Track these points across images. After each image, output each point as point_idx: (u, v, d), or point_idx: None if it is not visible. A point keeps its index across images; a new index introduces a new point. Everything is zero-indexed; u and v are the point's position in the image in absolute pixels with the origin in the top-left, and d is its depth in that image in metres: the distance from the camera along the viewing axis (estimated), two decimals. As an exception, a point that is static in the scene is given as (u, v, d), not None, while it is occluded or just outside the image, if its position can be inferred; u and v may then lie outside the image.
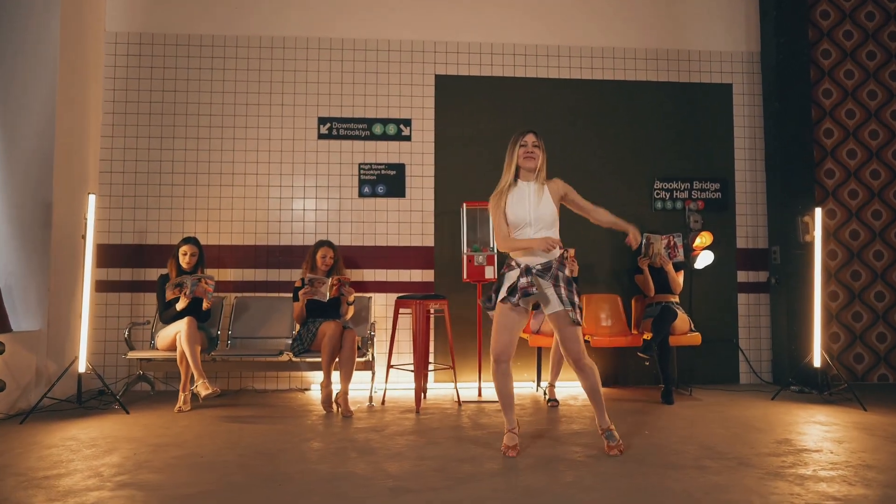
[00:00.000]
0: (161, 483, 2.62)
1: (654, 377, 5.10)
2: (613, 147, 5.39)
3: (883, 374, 5.43)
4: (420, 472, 2.78)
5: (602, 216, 3.19)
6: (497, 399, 3.16)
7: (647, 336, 4.70)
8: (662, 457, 3.06)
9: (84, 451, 3.14)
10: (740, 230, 5.43)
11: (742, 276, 5.41)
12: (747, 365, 5.33)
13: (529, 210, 3.04)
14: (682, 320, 4.77)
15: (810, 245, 4.83)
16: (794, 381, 4.85)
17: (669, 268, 4.84)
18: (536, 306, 3.27)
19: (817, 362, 4.60)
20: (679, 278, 4.91)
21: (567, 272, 3.04)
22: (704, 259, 5.14)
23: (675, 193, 5.40)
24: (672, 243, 4.89)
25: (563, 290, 2.96)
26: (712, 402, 4.51)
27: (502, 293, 3.04)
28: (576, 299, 2.99)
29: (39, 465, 2.88)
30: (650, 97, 5.44)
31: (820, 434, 3.55)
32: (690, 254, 5.20)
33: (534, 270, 3.00)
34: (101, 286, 4.96)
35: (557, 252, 3.04)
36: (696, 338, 4.82)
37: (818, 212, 4.71)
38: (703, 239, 5.19)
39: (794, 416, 4.04)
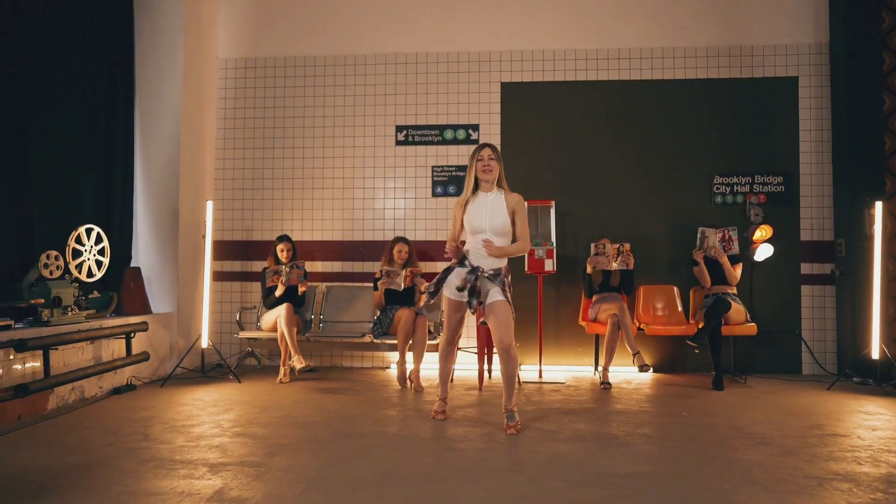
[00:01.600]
0: (265, 434, 3.33)
1: (709, 365, 5.31)
2: (673, 144, 5.59)
3: (962, 368, 5.29)
4: (469, 437, 3.32)
5: (517, 243, 3.51)
6: (440, 370, 3.78)
7: (701, 325, 4.94)
8: (689, 434, 3.40)
9: (208, 409, 3.95)
10: (804, 223, 5.47)
11: (806, 269, 5.46)
12: (810, 356, 5.40)
13: (485, 219, 3.42)
14: (737, 311, 4.95)
15: (873, 238, 4.83)
16: (852, 371, 4.90)
17: (724, 260, 5.03)
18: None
19: (875, 354, 4.65)
20: (736, 271, 5.09)
21: (509, 278, 3.47)
22: (764, 252, 5.26)
23: (735, 187, 5.53)
24: (727, 237, 5.06)
25: (505, 290, 3.41)
26: (764, 390, 4.70)
27: (452, 293, 3.49)
28: (509, 297, 3.43)
29: (177, 417, 3.70)
30: (711, 94, 5.57)
31: (858, 422, 3.71)
32: (750, 247, 5.33)
33: (486, 274, 3.40)
34: (218, 276, 5.88)
35: (504, 262, 3.47)
36: (751, 328, 4.99)
37: (878, 205, 4.71)
38: (763, 232, 5.30)
39: (843, 405, 4.18)
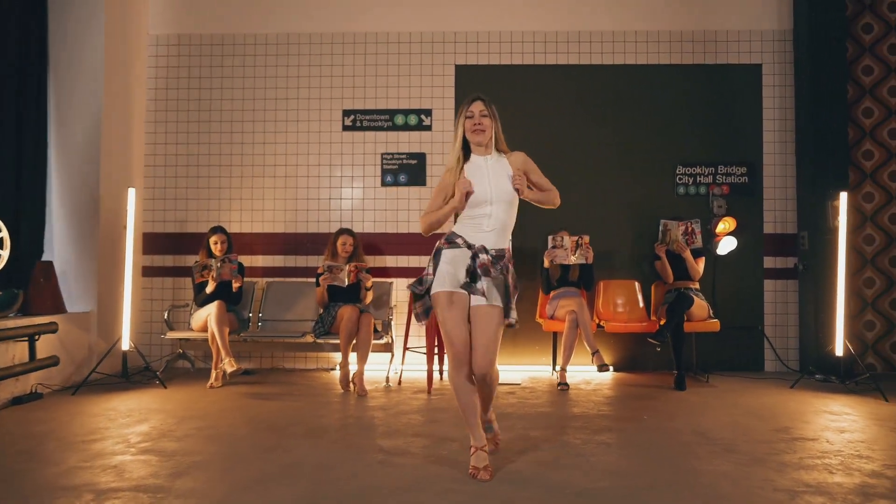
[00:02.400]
0: (176, 451, 2.92)
1: (671, 363, 5.08)
2: (635, 132, 5.34)
3: (922, 364, 5.20)
4: (409, 449, 2.97)
5: (553, 197, 2.78)
6: (459, 404, 2.62)
7: (663, 322, 4.70)
8: (652, 440, 3.12)
9: (120, 420, 3.50)
10: (768, 215, 5.29)
11: (769, 262, 5.28)
12: (773, 352, 5.22)
13: (489, 188, 2.60)
14: (700, 307, 4.73)
15: (837, 230, 4.67)
16: (815, 369, 4.74)
17: (687, 254, 4.80)
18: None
19: (839, 351, 4.48)
20: (699, 265, 4.87)
21: (512, 269, 2.66)
22: (727, 245, 5.05)
23: (698, 178, 5.31)
24: (690, 230, 4.83)
25: (511, 282, 2.63)
26: (727, 389, 4.48)
27: (444, 284, 2.56)
28: (513, 302, 2.62)
29: (79, 431, 3.25)
30: (674, 80, 5.34)
31: (825, 423, 3.50)
32: (713, 240, 5.12)
33: (490, 253, 2.57)
34: (147, 271, 5.39)
35: (508, 243, 2.71)
36: (714, 324, 4.78)
37: (843, 196, 4.55)
38: (726, 224, 5.09)
39: (807, 404, 3.98)
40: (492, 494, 2.38)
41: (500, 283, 2.61)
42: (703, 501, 2.31)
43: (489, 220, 2.62)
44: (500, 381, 2.91)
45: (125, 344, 4.54)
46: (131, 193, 4.62)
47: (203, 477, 2.55)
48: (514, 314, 2.63)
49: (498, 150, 2.73)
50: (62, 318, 4.37)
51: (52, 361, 4.08)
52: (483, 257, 2.55)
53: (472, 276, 2.54)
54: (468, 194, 2.58)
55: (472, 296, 2.58)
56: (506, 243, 2.68)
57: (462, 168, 2.67)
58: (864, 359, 5.15)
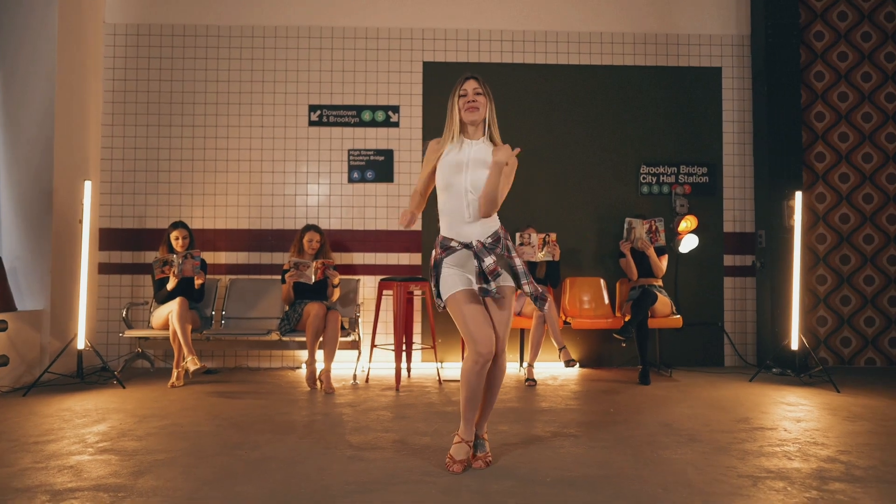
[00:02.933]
0: (137, 449, 2.82)
1: (635, 359, 5.18)
2: (599, 132, 5.43)
3: (870, 357, 5.43)
4: (379, 444, 2.94)
5: (483, 189, 2.56)
6: (464, 397, 2.55)
7: (628, 318, 4.78)
8: (618, 433, 3.17)
9: (76, 420, 3.37)
10: (727, 214, 5.45)
11: (728, 260, 5.44)
12: (732, 348, 5.38)
13: (464, 174, 2.53)
14: (663, 303, 4.83)
15: (793, 229, 4.84)
16: (772, 363, 4.90)
17: (651, 252, 4.90)
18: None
19: (795, 345, 4.64)
20: (662, 263, 4.97)
21: (510, 243, 2.63)
22: (689, 243, 5.18)
23: (661, 178, 5.43)
24: (654, 228, 4.94)
25: (517, 261, 2.59)
26: (689, 383, 4.59)
27: (456, 285, 2.54)
28: (525, 278, 2.57)
29: (32, 433, 3.11)
30: (637, 82, 5.45)
31: (782, 413, 3.62)
32: (675, 238, 5.24)
33: (487, 245, 2.53)
34: (104, 268, 5.21)
35: (498, 220, 2.63)
36: (677, 321, 4.89)
37: (798, 196, 4.72)
38: (688, 223, 5.22)
39: (765, 396, 4.11)
40: (462, 486, 2.38)
41: (505, 265, 2.58)
42: (669, 488, 2.35)
43: (467, 209, 2.55)
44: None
45: (80, 343, 4.37)
46: (87, 186, 4.45)
47: (167, 475, 2.47)
48: (528, 287, 2.56)
49: (491, 138, 2.64)
50: (11, 317, 4.18)
51: (2, 361, 3.90)
52: (488, 261, 2.48)
53: (484, 279, 2.49)
54: (406, 217, 2.58)
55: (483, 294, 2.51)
56: (495, 226, 2.60)
57: (440, 155, 2.59)
58: (817, 352, 5.35)
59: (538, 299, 2.60)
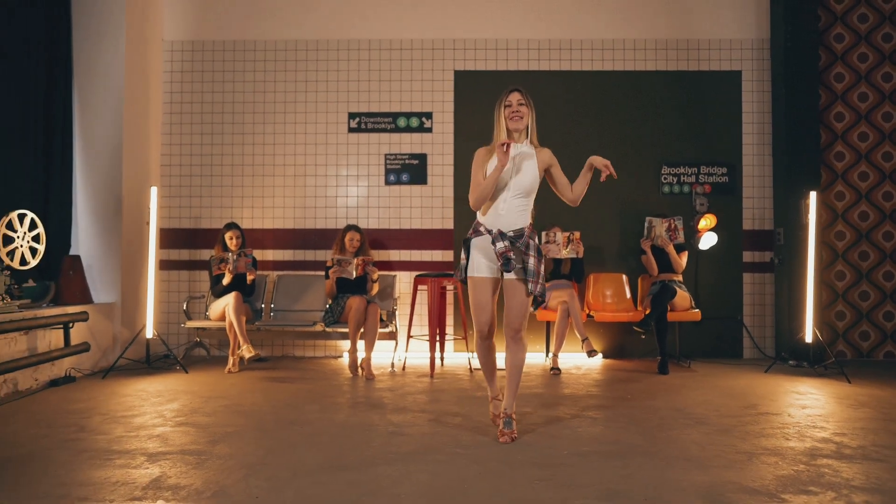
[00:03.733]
0: (209, 423, 3.27)
1: (655, 350, 5.45)
2: (622, 135, 5.70)
3: (889, 351, 5.59)
4: (416, 422, 3.33)
5: (576, 189, 3.07)
6: (483, 367, 3.17)
7: (647, 311, 5.07)
8: (632, 416, 3.49)
9: (152, 399, 3.85)
10: (746, 212, 5.67)
11: (748, 257, 5.66)
12: (751, 341, 5.61)
13: (511, 173, 2.93)
14: (682, 298, 5.10)
15: (807, 227, 5.04)
16: (788, 355, 5.13)
17: (671, 249, 5.17)
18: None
19: (809, 338, 4.86)
20: (682, 259, 5.24)
21: (537, 240, 2.99)
22: (708, 240, 5.43)
23: (682, 178, 5.68)
24: (673, 226, 5.20)
25: (531, 260, 2.92)
26: (706, 374, 4.86)
27: (481, 270, 2.95)
28: (542, 270, 2.95)
29: (118, 408, 3.60)
30: (659, 86, 5.70)
31: (790, 401, 3.88)
32: (695, 235, 5.49)
33: (508, 235, 2.89)
34: (164, 265, 5.72)
35: (529, 219, 2.99)
36: (696, 314, 5.15)
37: (812, 195, 4.92)
38: (708, 221, 5.46)
39: (778, 386, 4.36)
40: (491, 457, 2.74)
41: (520, 259, 2.93)
42: (670, 461, 2.68)
43: (504, 203, 2.95)
44: (497, 368, 3.24)
45: (149, 332, 4.88)
46: (154, 192, 4.95)
47: (238, 444, 2.91)
48: (531, 286, 2.91)
49: (531, 142, 3.02)
50: (90, 308, 4.70)
51: (84, 348, 4.42)
52: (500, 245, 2.85)
53: (504, 261, 2.87)
54: (506, 146, 2.85)
55: (505, 273, 2.94)
56: (524, 222, 2.95)
57: (491, 155, 2.97)
58: (835, 346, 5.55)
59: (536, 300, 2.97)
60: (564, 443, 2.95)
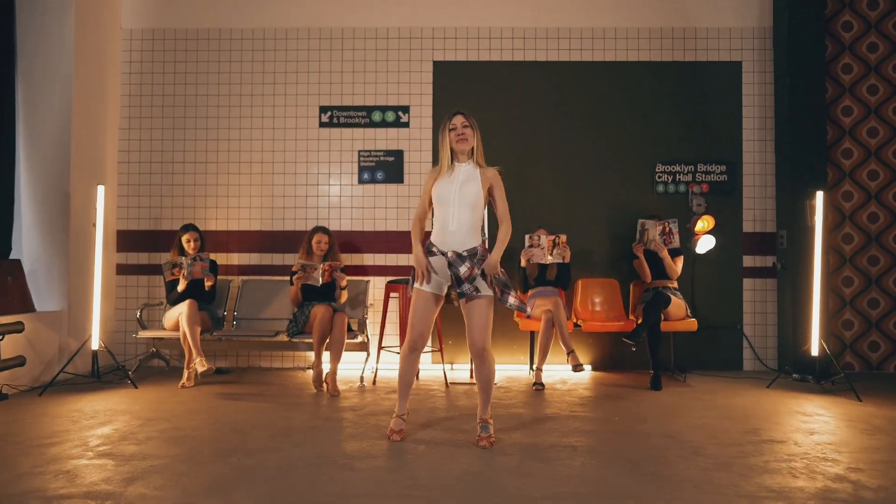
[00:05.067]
0: (134, 454, 2.87)
1: (648, 362, 5.06)
2: (613, 129, 5.30)
3: (900, 363, 5.20)
4: (373, 452, 2.93)
5: (501, 228, 3.02)
6: (399, 380, 3.12)
7: (640, 321, 4.67)
8: (619, 444, 3.09)
9: (83, 422, 3.44)
10: (747, 213, 5.27)
11: (748, 261, 5.26)
12: (752, 352, 5.21)
13: (454, 189, 2.98)
14: (677, 306, 4.71)
15: (814, 229, 4.65)
16: (791, 369, 4.73)
17: (665, 254, 4.77)
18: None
19: (815, 351, 4.47)
20: (677, 264, 4.84)
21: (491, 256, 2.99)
22: (706, 244, 5.03)
23: (677, 176, 5.28)
24: (667, 229, 4.80)
25: (489, 277, 2.98)
26: (704, 389, 4.46)
27: (430, 284, 3.01)
28: (501, 279, 2.97)
29: (40, 434, 3.19)
30: (653, 78, 5.30)
31: (796, 425, 3.48)
32: (692, 238, 5.10)
33: (464, 255, 2.94)
34: (123, 269, 5.32)
35: (480, 239, 3.02)
36: (692, 324, 4.76)
37: (819, 195, 4.53)
38: (705, 223, 5.07)
39: (781, 405, 3.96)
40: (445, 500, 2.34)
41: (478, 271, 2.95)
42: (662, 507, 2.28)
43: (452, 220, 3.00)
44: (475, 381, 3.19)
45: (94, 343, 4.48)
46: (100, 190, 4.55)
47: (157, 482, 2.50)
48: (507, 298, 2.98)
49: (476, 161, 3.05)
50: (30, 318, 4.30)
51: (18, 362, 4.02)
52: (464, 268, 2.90)
53: (457, 282, 2.92)
54: (422, 276, 3.01)
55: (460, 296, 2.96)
56: (475, 241, 2.99)
57: (438, 175, 3.05)
58: (842, 358, 5.15)
59: (520, 304, 3.02)
60: (538, 482, 2.55)
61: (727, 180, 5.27)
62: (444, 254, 2.97)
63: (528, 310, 3.08)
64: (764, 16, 5.31)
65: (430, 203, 3.07)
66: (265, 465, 2.74)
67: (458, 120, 3.03)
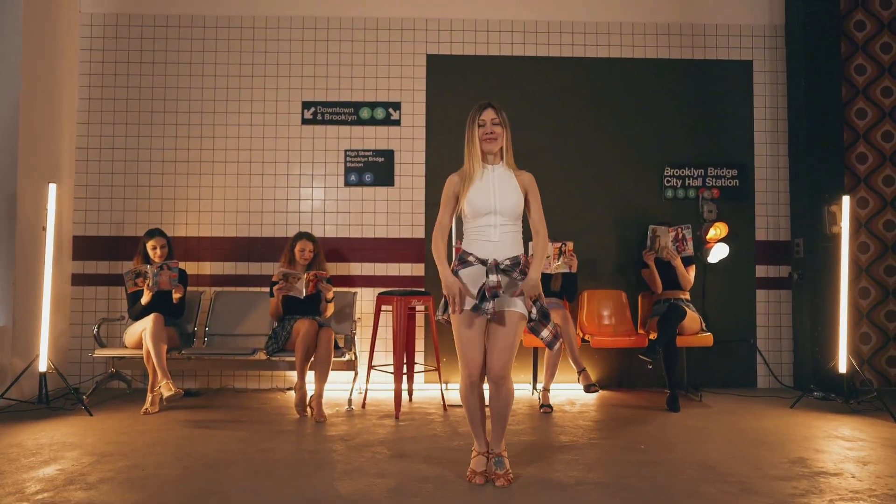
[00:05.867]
0: (81, 503, 2.36)
1: (661, 380, 4.69)
2: (619, 130, 4.96)
3: (919, 379, 4.93)
4: (371, 494, 2.47)
5: (538, 241, 2.69)
6: (467, 416, 2.71)
7: (653, 336, 4.31)
8: (653, 479, 2.69)
9: (22, 460, 2.91)
10: (759, 221, 4.96)
11: (761, 271, 4.95)
12: (766, 368, 4.88)
13: (493, 198, 2.60)
14: (692, 319, 4.36)
15: (837, 237, 4.36)
16: (816, 387, 4.41)
17: (678, 262, 4.43)
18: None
19: (843, 367, 4.15)
20: (689, 274, 4.50)
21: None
22: (718, 252, 4.71)
23: (687, 181, 4.95)
24: (681, 236, 4.46)
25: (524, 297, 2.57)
26: (723, 410, 4.10)
27: (467, 301, 2.56)
28: (543, 307, 2.57)
29: (-33, 477, 2.66)
30: (660, 76, 4.99)
31: (841, 452, 3.13)
32: (703, 246, 4.77)
33: (502, 266, 2.55)
34: (79, 279, 4.77)
35: (522, 248, 2.64)
36: (707, 339, 4.41)
37: (846, 200, 4.24)
38: (718, 230, 4.75)
39: (815, 428, 3.62)
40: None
41: (514, 290, 2.57)
42: (735, 567, 1.88)
43: (494, 231, 2.61)
44: (486, 416, 2.74)
45: (43, 364, 3.92)
46: (52, 189, 4.02)
47: (107, 544, 2.01)
48: (541, 330, 2.58)
49: (507, 163, 2.69)
50: (-33, 335, 3.74)
51: (-51, 387, 3.46)
52: (492, 279, 2.49)
53: (481, 297, 2.50)
54: (455, 301, 2.54)
55: (509, 304, 2.56)
56: (518, 250, 2.62)
57: (464, 188, 2.62)
58: (862, 373, 4.86)
59: (551, 340, 2.61)
60: (575, 531, 2.13)
61: (739, 185, 4.96)
62: (483, 262, 2.55)
63: (557, 345, 2.59)
64: (775, 13, 5.05)
65: (454, 211, 2.70)
66: (243, 514, 2.27)
67: (488, 115, 2.63)
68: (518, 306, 2.56)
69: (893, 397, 4.48)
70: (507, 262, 2.56)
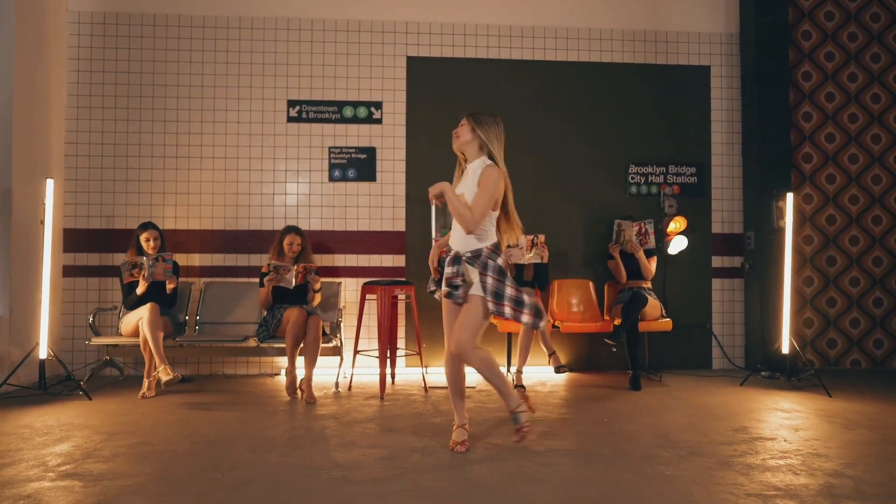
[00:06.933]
0: (103, 473, 2.60)
1: (625, 363, 5.08)
2: (588, 130, 5.31)
3: (855, 359, 5.42)
4: (367, 462, 2.77)
5: (461, 218, 2.85)
6: (450, 390, 3.03)
7: (618, 322, 4.68)
8: (615, 446, 3.05)
9: (36, 439, 3.12)
10: (716, 215, 5.38)
11: (717, 262, 5.37)
12: (720, 350, 5.32)
13: (460, 190, 2.95)
14: (653, 306, 4.74)
15: (783, 231, 4.79)
16: (763, 367, 4.85)
17: (640, 255, 4.80)
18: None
19: (786, 349, 4.59)
20: (651, 265, 4.88)
21: (501, 262, 2.83)
22: (678, 244, 5.10)
23: (650, 178, 5.33)
24: (643, 230, 4.83)
25: (488, 280, 2.78)
26: (680, 388, 4.50)
27: (434, 285, 3.05)
28: (508, 291, 2.78)
29: (-13, 454, 2.86)
30: (625, 79, 5.35)
31: (778, 421, 3.54)
32: (664, 239, 5.16)
33: (463, 258, 2.85)
34: (70, 271, 4.93)
35: (489, 240, 2.86)
36: (667, 324, 4.80)
37: (790, 197, 4.66)
38: (677, 224, 5.14)
39: (759, 402, 4.03)
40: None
41: (484, 274, 2.81)
42: (679, 511, 2.23)
43: (454, 222, 2.92)
44: (465, 390, 3.09)
45: (42, 352, 4.10)
46: (49, 184, 4.18)
47: (136, 504, 2.27)
48: (492, 306, 2.78)
49: (491, 156, 2.95)
50: (-32, 324, 3.90)
51: (-45, 373, 3.62)
52: (448, 270, 2.84)
53: (451, 287, 2.85)
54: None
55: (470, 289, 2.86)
56: (478, 244, 2.86)
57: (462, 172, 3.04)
58: (803, 354, 5.32)
59: (533, 321, 2.83)
60: (546, 488, 2.46)
61: (697, 182, 5.36)
62: (455, 255, 2.89)
63: (542, 325, 2.86)
64: (730, 22, 5.44)
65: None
66: (252, 479, 2.54)
67: (461, 120, 3.01)
68: (475, 289, 2.81)
69: (830, 375, 4.96)
70: (468, 254, 2.84)
